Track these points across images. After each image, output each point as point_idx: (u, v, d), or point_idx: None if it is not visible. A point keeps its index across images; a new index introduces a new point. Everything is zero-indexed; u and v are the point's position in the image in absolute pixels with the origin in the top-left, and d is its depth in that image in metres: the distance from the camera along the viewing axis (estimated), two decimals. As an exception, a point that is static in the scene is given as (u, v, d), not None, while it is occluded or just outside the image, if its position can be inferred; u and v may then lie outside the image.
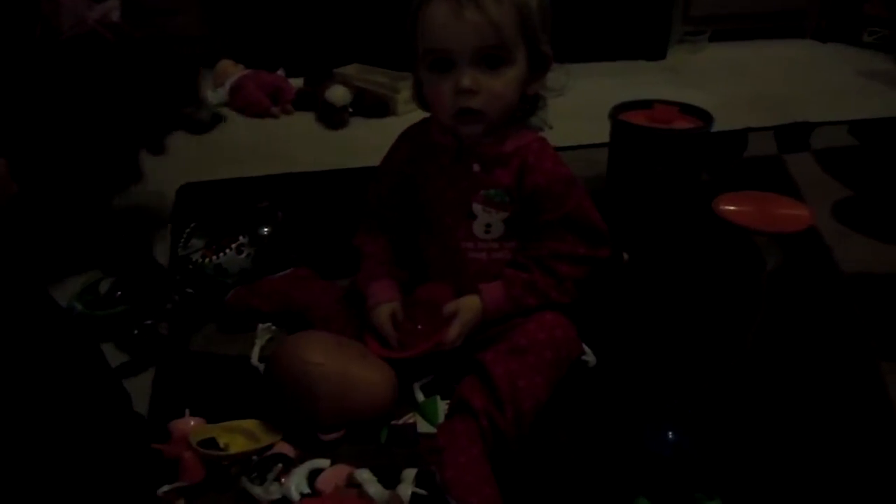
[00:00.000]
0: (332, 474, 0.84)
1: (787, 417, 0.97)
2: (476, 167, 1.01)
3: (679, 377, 1.03)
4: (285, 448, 0.89)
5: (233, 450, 0.87)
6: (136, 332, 1.12)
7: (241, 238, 1.26)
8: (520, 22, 0.91)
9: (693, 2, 2.90)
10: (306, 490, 0.83)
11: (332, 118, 2.12)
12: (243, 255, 1.25)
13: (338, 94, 2.10)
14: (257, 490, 0.83)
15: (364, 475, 0.81)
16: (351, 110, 2.15)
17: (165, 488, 0.84)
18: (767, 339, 1.13)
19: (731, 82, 2.50)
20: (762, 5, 3.04)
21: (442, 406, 0.96)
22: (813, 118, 2.05)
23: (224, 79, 2.33)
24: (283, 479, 0.84)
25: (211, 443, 0.87)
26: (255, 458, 0.87)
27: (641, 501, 0.81)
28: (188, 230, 1.31)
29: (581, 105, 1.69)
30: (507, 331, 0.97)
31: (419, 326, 1.04)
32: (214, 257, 1.23)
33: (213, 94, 2.31)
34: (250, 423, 0.92)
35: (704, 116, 1.50)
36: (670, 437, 0.89)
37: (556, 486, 0.85)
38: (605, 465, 0.88)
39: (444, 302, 1.01)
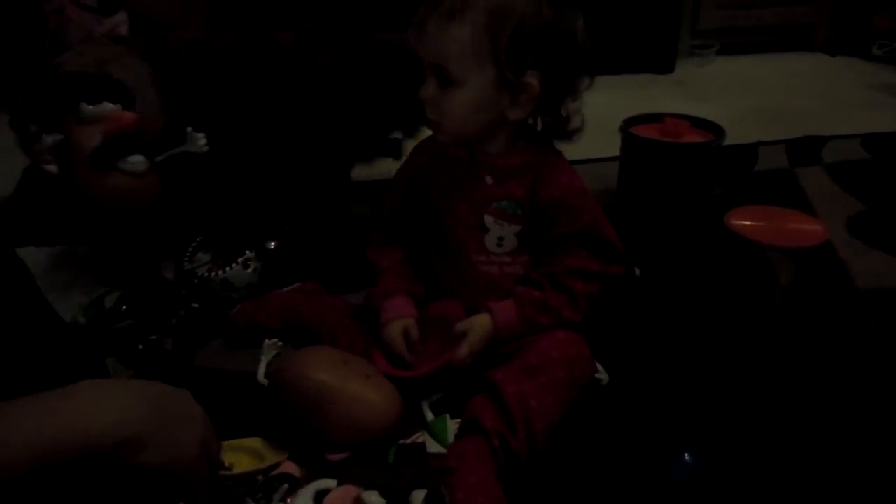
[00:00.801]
0: (340, 496, 0.82)
1: (804, 436, 0.94)
2: (489, 179, 1.00)
3: (694, 396, 1.01)
4: (291, 468, 0.87)
5: (237, 469, 0.85)
6: (140, 347, 1.10)
7: (247, 252, 1.25)
8: (478, 46, 0.89)
9: (701, 15, 2.89)
10: (313, 511, 0.81)
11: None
12: (250, 270, 1.24)
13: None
14: (262, 510, 0.81)
15: (372, 497, 0.79)
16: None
17: (169, 508, 0.82)
18: (783, 356, 1.10)
19: (740, 96, 2.48)
20: (770, 19, 3.02)
21: (451, 425, 0.94)
22: (824, 132, 2.03)
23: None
24: (288, 500, 0.82)
25: (216, 462, 0.85)
26: (259, 477, 0.85)
27: (657, 525, 0.79)
28: (194, 244, 1.30)
29: (589, 118, 1.66)
30: (518, 349, 0.95)
31: (428, 344, 1.02)
32: (220, 272, 1.21)
33: (221, 107, 2.30)
34: (255, 442, 0.91)
35: (716, 130, 1.48)
36: (686, 459, 0.87)
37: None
38: (619, 488, 0.86)
39: (456, 319, 1.00)
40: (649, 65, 2.74)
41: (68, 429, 0.59)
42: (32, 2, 2.19)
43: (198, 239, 1.32)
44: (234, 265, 1.22)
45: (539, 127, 1.02)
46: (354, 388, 0.90)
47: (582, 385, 0.95)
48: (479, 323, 0.98)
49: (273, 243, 1.30)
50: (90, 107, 0.83)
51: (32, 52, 2.24)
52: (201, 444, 0.69)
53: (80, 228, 0.84)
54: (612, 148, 1.63)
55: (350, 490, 0.82)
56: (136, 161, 0.82)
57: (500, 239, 1.02)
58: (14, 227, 0.84)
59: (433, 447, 0.92)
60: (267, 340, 1.10)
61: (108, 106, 0.84)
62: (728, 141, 1.51)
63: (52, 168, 0.77)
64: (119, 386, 0.67)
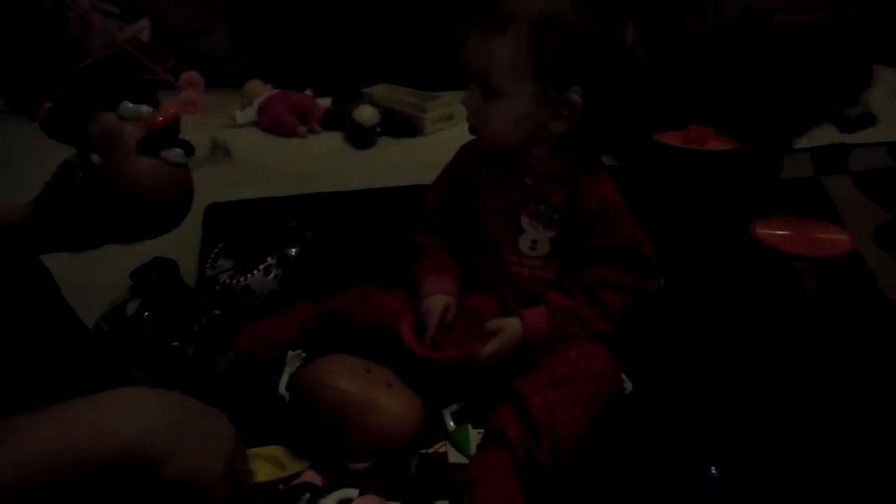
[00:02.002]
0: (361, 505, 0.81)
1: (833, 450, 0.92)
2: (528, 180, 1.00)
3: (721, 408, 0.99)
4: (313, 477, 0.86)
5: (259, 478, 0.84)
6: (162, 353, 1.10)
7: (269, 259, 1.25)
8: (522, 61, 0.88)
9: (723, 21, 2.87)
10: (334, 522, 0.80)
11: (360, 138, 2.12)
12: (271, 276, 1.23)
13: (365, 113, 2.09)
14: (284, 519, 0.80)
15: (394, 508, 0.79)
16: (379, 130, 2.15)
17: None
18: (810, 367, 1.08)
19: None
20: (794, 23, 3.00)
21: (474, 435, 0.93)
22: (850, 140, 2.00)
23: (252, 98, 2.34)
24: (309, 509, 0.81)
25: (237, 470, 0.85)
26: (281, 486, 0.84)
27: (684, 540, 0.78)
28: (216, 251, 1.30)
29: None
30: (545, 356, 0.93)
31: (456, 333, 1.02)
32: (242, 278, 1.21)
33: (242, 115, 2.32)
34: (277, 451, 0.90)
35: (741, 138, 1.46)
36: (714, 473, 0.85)
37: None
38: (645, 502, 0.84)
39: (489, 315, 0.99)
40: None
41: (94, 438, 0.59)
42: (55, 9, 2.23)
43: (220, 245, 1.32)
44: (255, 272, 1.22)
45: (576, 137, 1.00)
46: (376, 396, 0.89)
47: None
48: (511, 326, 0.97)
49: (294, 250, 1.30)
50: (131, 105, 0.87)
51: (55, 59, 2.27)
52: (227, 460, 0.68)
53: (111, 230, 0.86)
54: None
55: (372, 500, 0.81)
56: (177, 153, 0.85)
57: (534, 242, 1.01)
58: (39, 232, 0.85)
59: (455, 457, 0.91)
60: (290, 351, 1.09)
61: (144, 108, 0.88)
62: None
63: (97, 158, 0.79)
64: (148, 396, 0.67)
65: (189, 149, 0.86)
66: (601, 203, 0.98)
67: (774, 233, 1.46)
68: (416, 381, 0.97)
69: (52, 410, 0.60)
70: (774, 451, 0.91)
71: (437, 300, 1.01)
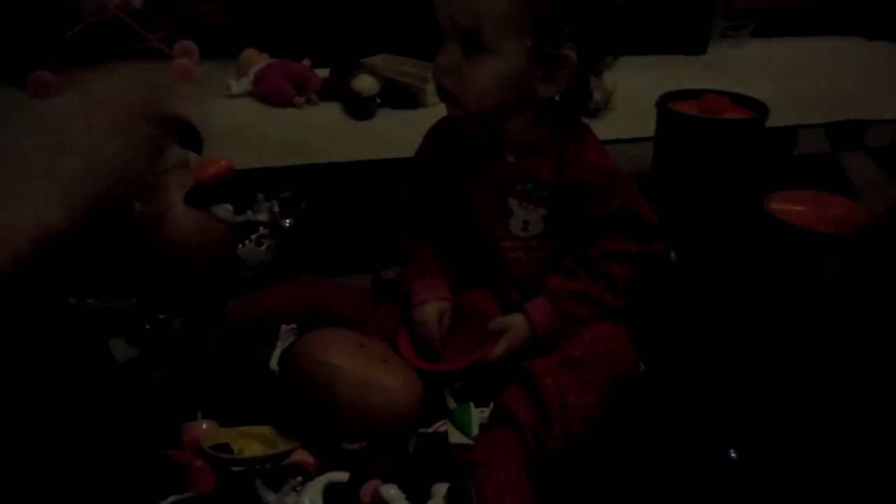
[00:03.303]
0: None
1: (856, 432, 0.87)
2: (510, 158, 0.92)
3: (739, 390, 0.93)
4: (304, 456, 0.81)
5: (246, 455, 0.79)
6: (147, 326, 1.05)
7: (261, 229, 1.19)
8: (518, 13, 0.80)
9: (735, -5, 2.81)
10: (321, 506, 0.74)
11: (359, 108, 2.05)
12: (263, 247, 1.18)
13: (365, 83, 2.02)
14: (271, 497, 0.75)
15: (391, 491, 0.73)
16: (378, 101, 2.08)
17: (173, 499, 0.76)
18: (830, 348, 1.03)
19: (774, 78, 2.39)
20: (806, 0, 2.92)
21: (476, 414, 0.87)
22: (863, 116, 1.94)
23: (248, 68, 2.28)
24: (298, 490, 0.76)
25: (224, 448, 0.80)
26: (268, 466, 0.79)
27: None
28: (206, 220, 1.24)
29: (618, 98, 1.60)
30: (559, 339, 0.88)
31: (458, 337, 0.96)
32: (233, 249, 1.16)
33: (237, 84, 2.25)
34: (267, 429, 0.85)
35: (758, 108, 1.40)
36: (733, 456, 0.80)
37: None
38: (660, 488, 0.79)
39: (490, 314, 0.93)
40: (680, 46, 2.66)
41: None
42: (44, -27, 2.15)
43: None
44: (247, 242, 1.16)
45: (561, 102, 0.94)
46: (371, 372, 0.83)
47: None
48: (516, 323, 0.91)
49: (288, 221, 1.24)
50: (180, 150, 0.78)
51: (44, 25, 2.19)
52: None
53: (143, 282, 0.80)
54: (643, 128, 1.56)
55: (376, 486, 0.76)
56: (227, 209, 0.77)
57: (526, 223, 0.94)
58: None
59: (456, 437, 0.85)
60: (284, 326, 1.03)
61: (192, 154, 0.79)
62: (766, 123, 1.43)
63: (139, 205, 0.73)
64: None
65: (238, 205, 0.79)
66: (593, 171, 0.91)
67: (790, 208, 1.40)
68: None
69: None
70: (795, 433, 0.86)
71: (430, 308, 0.94)
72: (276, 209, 1.17)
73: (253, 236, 1.17)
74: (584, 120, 0.95)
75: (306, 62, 2.34)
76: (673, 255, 1.16)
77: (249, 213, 1.20)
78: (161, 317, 1.06)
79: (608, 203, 0.91)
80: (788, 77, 2.42)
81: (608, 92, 0.92)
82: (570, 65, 0.84)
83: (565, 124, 0.93)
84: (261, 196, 1.24)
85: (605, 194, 0.91)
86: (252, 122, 2.08)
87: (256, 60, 2.30)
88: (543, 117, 0.92)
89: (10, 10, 2.14)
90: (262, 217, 1.20)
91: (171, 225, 0.72)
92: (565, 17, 0.81)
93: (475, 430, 0.85)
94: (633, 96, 1.57)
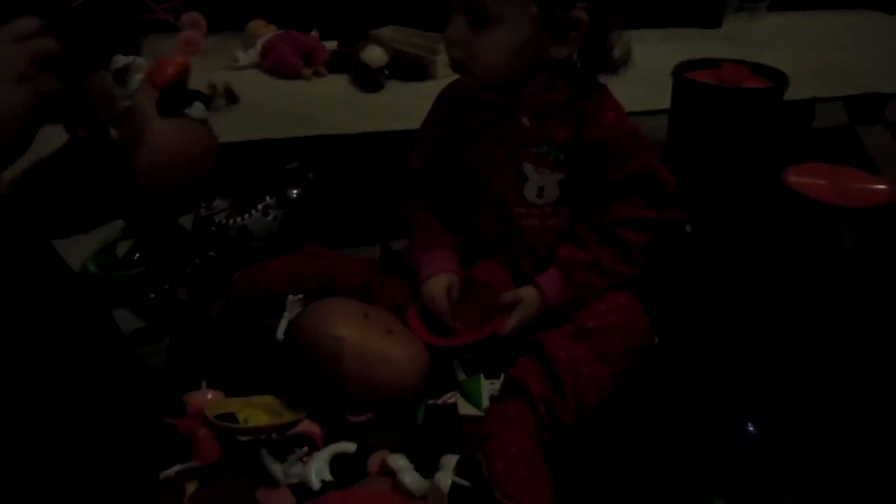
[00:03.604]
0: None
1: (875, 408, 0.85)
2: (525, 121, 0.89)
3: (756, 362, 0.91)
4: (311, 427, 0.79)
5: (252, 424, 0.77)
6: (152, 296, 1.03)
7: (267, 199, 1.17)
8: None
9: (752, -33, 2.75)
10: (328, 477, 0.72)
11: (368, 80, 2.02)
12: (270, 217, 1.16)
13: (374, 54, 1.99)
14: (276, 467, 0.73)
15: (399, 461, 0.71)
16: (387, 72, 2.05)
17: (177, 468, 0.75)
18: (848, 323, 1.00)
19: (791, 52, 2.34)
20: (825, -27, 2.86)
21: (486, 385, 0.85)
22: (882, 89, 1.90)
23: (255, 39, 2.24)
24: (304, 460, 0.74)
25: (229, 417, 0.78)
26: (274, 435, 0.77)
27: (718, 502, 0.70)
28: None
29: (633, 70, 1.57)
30: (572, 310, 0.85)
31: (468, 310, 0.93)
32: (239, 218, 1.14)
33: (244, 55, 2.22)
34: (273, 399, 0.83)
35: (777, 77, 1.36)
36: (750, 429, 0.78)
37: (620, 485, 0.75)
38: (675, 461, 0.77)
39: (501, 286, 0.91)
40: (695, 18, 2.61)
41: None
42: (49, -60, 2.11)
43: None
44: (253, 212, 1.15)
45: (577, 61, 0.91)
46: (376, 343, 0.81)
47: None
48: (528, 296, 0.88)
49: (296, 191, 1.22)
50: (124, 59, 0.73)
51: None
52: None
53: (129, 207, 0.76)
54: (657, 101, 1.53)
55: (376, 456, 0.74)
56: (199, 106, 0.74)
57: (541, 189, 0.91)
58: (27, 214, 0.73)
59: (465, 409, 0.83)
60: (291, 296, 1.00)
61: (139, 60, 0.74)
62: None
63: (115, 133, 0.68)
64: None
65: (206, 99, 0.75)
66: (613, 131, 0.88)
67: (808, 181, 1.36)
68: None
69: None
70: (813, 407, 0.84)
71: (438, 282, 0.91)
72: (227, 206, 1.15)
73: (259, 206, 1.16)
74: (603, 80, 0.92)
75: (314, 34, 2.31)
76: (688, 228, 1.13)
77: (202, 209, 1.19)
78: (166, 287, 1.05)
79: (626, 164, 0.88)
80: (806, 50, 2.37)
81: (628, 45, 0.89)
82: (581, 26, 0.81)
83: (582, 85, 0.90)
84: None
85: (624, 155, 0.88)
86: (259, 93, 2.05)
87: (264, 32, 2.26)
88: (559, 78, 0.89)
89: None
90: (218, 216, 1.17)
91: (156, 140, 0.68)
92: None
93: (486, 402, 0.83)
94: (646, 69, 1.54)
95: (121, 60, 0.69)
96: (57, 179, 0.71)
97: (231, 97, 1.89)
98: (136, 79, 0.69)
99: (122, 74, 0.69)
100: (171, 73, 0.72)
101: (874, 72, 2.13)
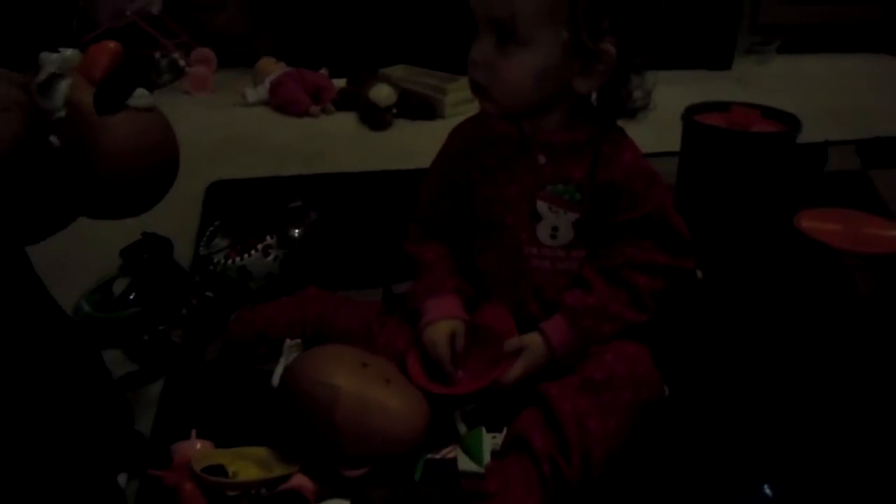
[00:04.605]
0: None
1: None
2: (542, 158, 0.88)
3: (771, 418, 0.87)
4: (303, 481, 0.76)
5: (241, 478, 0.74)
6: (146, 337, 1.00)
7: (268, 238, 1.15)
8: (555, 3, 0.76)
9: (761, 11, 2.75)
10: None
11: (376, 118, 2.01)
12: (270, 258, 1.13)
13: (382, 93, 1.99)
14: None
15: (394, 522, 0.68)
16: (395, 111, 2.04)
17: (161, 523, 0.71)
18: (864, 373, 0.96)
19: (801, 94, 2.33)
20: (834, 17, 2.86)
21: (488, 440, 0.81)
22: (894, 134, 1.87)
23: (264, 76, 2.25)
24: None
25: (218, 470, 0.74)
26: (263, 490, 0.74)
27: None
28: (212, 228, 1.20)
29: (641, 111, 1.56)
30: (578, 360, 0.82)
31: (471, 357, 0.90)
32: (238, 258, 1.11)
33: (252, 92, 2.22)
34: (265, 451, 0.80)
35: (789, 121, 1.34)
36: (767, 492, 0.73)
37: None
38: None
39: (506, 332, 0.88)
40: (706, 60, 2.60)
41: None
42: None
43: (216, 223, 1.22)
44: (253, 252, 1.12)
45: (596, 102, 0.89)
46: (373, 392, 0.78)
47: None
48: (533, 343, 0.85)
49: (298, 231, 1.20)
50: (55, 55, 0.69)
51: (59, 29, 2.18)
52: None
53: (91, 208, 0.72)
54: (668, 142, 1.50)
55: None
56: (142, 93, 0.69)
57: (555, 229, 0.89)
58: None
59: (465, 464, 0.79)
60: (288, 340, 0.97)
61: (69, 52, 0.70)
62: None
63: (56, 139, 0.65)
64: None
65: (149, 83, 0.71)
66: (629, 172, 0.86)
67: (821, 226, 1.34)
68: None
69: None
70: (832, 465, 0.80)
71: (441, 327, 0.88)
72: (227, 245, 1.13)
73: (259, 246, 1.13)
74: (619, 123, 0.90)
75: (324, 72, 2.32)
76: (699, 274, 1.10)
77: (202, 248, 1.17)
78: (161, 328, 1.02)
79: (641, 206, 0.86)
80: (816, 93, 2.36)
81: (649, 90, 0.88)
82: (608, 59, 0.79)
83: (600, 125, 0.88)
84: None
85: (640, 197, 0.86)
86: (267, 130, 2.05)
87: (273, 69, 2.27)
88: (578, 116, 0.88)
89: (28, 15, 2.13)
90: (217, 255, 1.15)
91: (102, 143, 0.64)
92: (605, 8, 0.77)
93: (487, 458, 0.79)
94: (656, 109, 1.53)
95: (44, 70, 0.65)
96: (15, 183, 0.67)
97: (175, 70, 1.83)
98: (63, 87, 0.65)
99: (46, 88, 0.65)
100: (105, 63, 0.67)
101: (884, 115, 2.11)
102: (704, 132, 1.33)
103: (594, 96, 0.88)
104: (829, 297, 1.15)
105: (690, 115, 1.36)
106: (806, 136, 1.62)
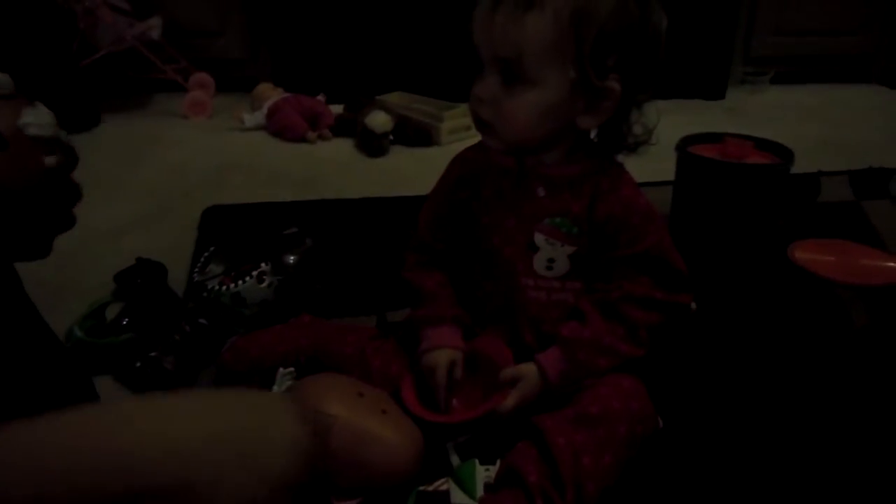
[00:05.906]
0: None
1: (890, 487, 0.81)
2: (541, 191, 0.88)
3: (767, 452, 0.87)
4: (294, 513, 0.75)
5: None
6: (138, 364, 1.00)
7: (263, 265, 1.14)
8: (561, 42, 0.76)
9: (754, 42, 2.79)
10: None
11: (372, 145, 2.02)
12: (265, 284, 1.13)
13: (378, 120, 2.00)
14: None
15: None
16: (392, 138, 2.05)
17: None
18: (859, 406, 0.96)
19: (794, 125, 2.35)
20: (827, 48, 2.90)
21: (481, 472, 0.81)
22: (886, 164, 1.89)
23: (262, 102, 2.26)
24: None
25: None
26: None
27: None
28: (206, 254, 1.20)
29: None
30: (574, 391, 0.82)
31: (466, 386, 0.90)
32: (232, 285, 1.11)
33: (250, 117, 2.24)
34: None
35: (782, 152, 1.35)
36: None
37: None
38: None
39: (502, 362, 0.87)
40: (699, 90, 2.63)
41: (103, 461, 0.47)
42: (63, 0, 2.15)
43: (211, 248, 1.22)
44: (247, 278, 1.12)
45: (595, 137, 0.90)
46: (368, 422, 0.77)
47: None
48: (529, 372, 0.85)
49: (293, 258, 1.20)
50: None
51: (59, 52, 2.19)
52: (280, 483, 0.55)
53: None
54: (662, 172, 1.51)
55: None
56: (40, 113, 0.65)
57: (551, 261, 0.89)
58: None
59: (458, 497, 0.79)
60: (282, 369, 0.97)
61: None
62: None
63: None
64: (178, 405, 0.54)
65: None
66: (626, 208, 0.86)
67: (815, 257, 1.34)
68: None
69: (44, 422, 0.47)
70: (829, 498, 0.79)
71: (440, 355, 0.89)
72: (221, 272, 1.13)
73: (254, 272, 1.13)
74: (619, 158, 0.91)
75: (321, 98, 2.33)
76: (693, 306, 1.10)
77: (196, 275, 1.17)
78: (153, 354, 1.01)
79: (639, 242, 0.86)
80: (808, 124, 2.38)
81: (650, 126, 0.88)
82: (613, 96, 0.80)
83: (600, 159, 0.89)
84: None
85: (636, 233, 0.86)
86: (264, 155, 2.06)
87: (271, 95, 2.29)
88: (579, 150, 0.88)
89: (28, 39, 2.14)
90: (211, 282, 1.15)
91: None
92: (610, 47, 0.78)
93: (480, 491, 0.78)
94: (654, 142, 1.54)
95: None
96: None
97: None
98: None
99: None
100: None
101: (877, 146, 2.13)
102: (698, 164, 1.34)
103: (594, 131, 0.89)
104: (823, 328, 1.16)
105: (684, 146, 1.37)
106: (799, 165, 1.63)
